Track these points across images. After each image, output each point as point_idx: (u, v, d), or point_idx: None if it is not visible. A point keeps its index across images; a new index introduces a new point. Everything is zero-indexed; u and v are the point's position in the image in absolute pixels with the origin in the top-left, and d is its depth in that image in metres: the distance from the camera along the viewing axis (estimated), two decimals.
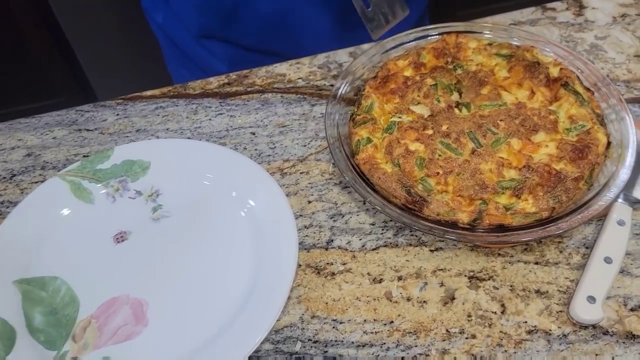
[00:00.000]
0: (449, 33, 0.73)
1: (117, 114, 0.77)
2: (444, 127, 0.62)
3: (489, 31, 0.73)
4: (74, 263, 0.59)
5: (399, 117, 0.65)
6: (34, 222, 0.62)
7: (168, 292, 0.57)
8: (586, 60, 0.69)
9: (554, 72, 0.67)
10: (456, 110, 0.65)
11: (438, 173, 0.58)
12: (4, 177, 0.70)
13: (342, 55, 0.83)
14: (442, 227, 0.55)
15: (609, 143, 0.60)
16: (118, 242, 0.61)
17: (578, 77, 0.66)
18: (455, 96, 0.67)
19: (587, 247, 0.58)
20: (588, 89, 0.65)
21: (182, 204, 0.64)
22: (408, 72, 0.70)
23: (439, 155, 0.60)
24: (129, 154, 0.68)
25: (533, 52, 0.69)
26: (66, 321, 0.56)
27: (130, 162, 0.67)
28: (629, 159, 0.58)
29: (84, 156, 0.71)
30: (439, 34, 0.73)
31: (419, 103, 0.66)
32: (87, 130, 0.75)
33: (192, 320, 0.55)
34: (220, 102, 0.77)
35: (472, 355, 0.52)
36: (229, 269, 0.58)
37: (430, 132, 0.62)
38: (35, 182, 0.69)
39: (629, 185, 0.59)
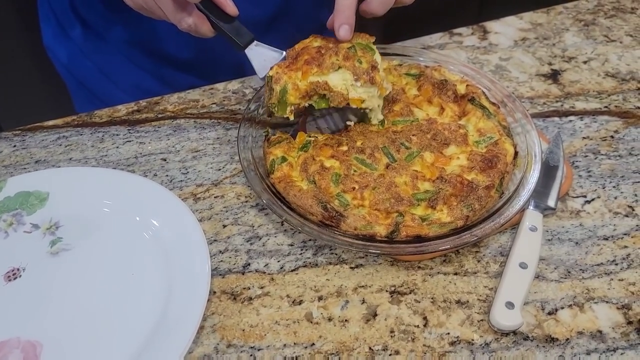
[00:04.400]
0: None
1: (14, 146, 0.71)
2: (359, 143, 0.62)
3: (400, 53, 0.75)
4: None
5: (315, 137, 0.64)
6: None
7: (65, 333, 0.52)
8: (492, 78, 0.72)
9: (461, 89, 0.68)
10: (371, 128, 0.65)
11: (354, 188, 0.57)
12: None
13: (257, 80, 0.81)
14: (361, 242, 0.53)
15: (516, 153, 0.62)
16: (9, 280, 0.55)
17: (484, 93, 0.68)
18: (377, 56, 0.63)
19: (503, 255, 0.58)
20: (493, 104, 0.67)
21: (83, 235, 0.59)
22: (318, 43, 0.64)
23: (355, 171, 0.59)
24: (24, 185, 0.62)
25: (441, 71, 0.71)
26: None
27: (25, 193, 0.62)
28: (536, 168, 0.60)
29: None
30: None
31: (340, 67, 0.60)
32: None
33: None
34: (129, 130, 0.74)
35: None
36: (134, 301, 0.54)
37: (345, 148, 0.61)
38: None
39: (538, 193, 0.61)
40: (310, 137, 0.64)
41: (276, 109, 0.62)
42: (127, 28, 0.84)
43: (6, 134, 0.73)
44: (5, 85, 1.53)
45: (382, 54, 0.75)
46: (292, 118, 0.63)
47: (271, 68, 0.62)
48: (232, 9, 0.62)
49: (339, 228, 0.55)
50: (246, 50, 0.64)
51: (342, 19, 0.61)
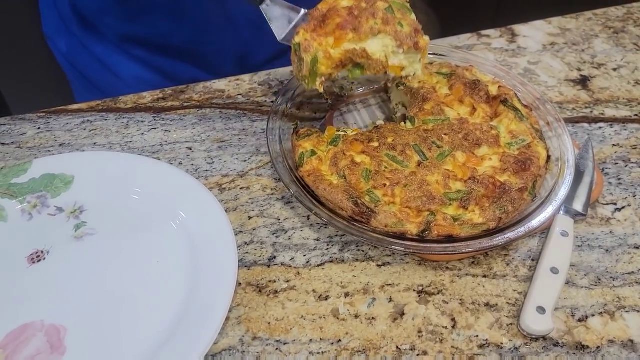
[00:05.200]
0: None
1: (39, 128, 0.71)
2: (390, 140, 0.61)
3: (430, 52, 0.74)
4: None
5: (344, 132, 0.63)
6: None
7: (89, 317, 0.51)
8: (523, 81, 0.71)
9: (493, 90, 0.67)
10: (402, 124, 0.64)
11: (385, 185, 0.56)
12: None
13: (283, 73, 0.81)
14: (392, 239, 0.52)
15: (548, 157, 0.61)
16: (33, 262, 0.55)
17: (516, 95, 0.67)
18: (414, 17, 0.57)
19: (532, 260, 0.57)
20: (526, 106, 0.66)
21: (108, 220, 0.58)
22: (347, 2, 0.57)
23: (385, 168, 0.58)
24: (49, 168, 0.62)
25: (472, 71, 0.70)
26: None
27: (50, 176, 0.61)
28: (569, 173, 0.59)
29: None
30: None
31: (379, 32, 0.54)
32: (2, 144, 0.68)
33: (117, 347, 0.49)
34: (154, 117, 0.73)
35: None
36: (159, 290, 0.53)
37: (375, 144, 0.60)
38: None
39: (569, 198, 0.60)
40: (339, 131, 0.63)
41: (307, 81, 0.56)
42: (122, 21, 0.83)
43: (30, 115, 0.72)
44: (6, 74, 1.52)
45: None
46: (321, 90, 0.57)
47: (297, 33, 0.55)
48: None
49: (369, 224, 0.54)
50: (262, 7, 0.58)
51: None
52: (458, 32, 0.90)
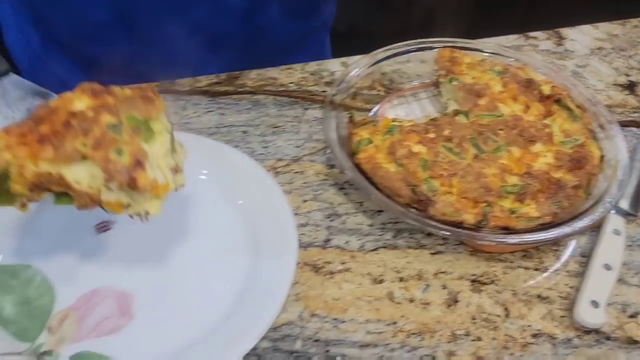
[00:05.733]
0: (444, 47, 0.74)
1: None
2: (446, 132, 0.62)
3: (484, 49, 0.75)
4: (52, 251, 0.54)
5: (399, 122, 0.65)
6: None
7: (156, 287, 0.53)
8: (574, 81, 0.72)
9: (546, 89, 0.68)
10: (456, 117, 0.65)
11: (442, 175, 0.58)
12: None
13: (334, 64, 0.82)
14: (451, 227, 0.54)
15: (602, 157, 0.62)
16: (100, 231, 0.57)
17: (569, 95, 0.68)
18: (162, 139, 0.46)
19: (583, 256, 0.58)
20: (579, 106, 0.67)
21: (173, 195, 0.60)
22: (83, 104, 0.43)
23: (442, 158, 0.59)
24: None
25: (525, 70, 0.71)
26: (40, 312, 0.50)
27: None
28: (622, 174, 0.60)
29: None
30: (427, 47, 0.75)
31: (85, 158, 0.41)
32: None
33: (183, 317, 0.51)
34: (210, 100, 0.75)
35: (479, 357, 0.50)
36: (223, 265, 0.55)
37: (432, 135, 0.62)
38: None
39: (620, 198, 0.60)
40: (394, 122, 0.65)
41: None
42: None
43: None
44: None
45: (465, 49, 0.76)
46: (26, 212, 0.43)
47: None
48: None
49: (427, 212, 0.55)
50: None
51: None
52: (501, 33, 0.90)
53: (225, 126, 0.71)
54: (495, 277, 0.56)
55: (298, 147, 0.69)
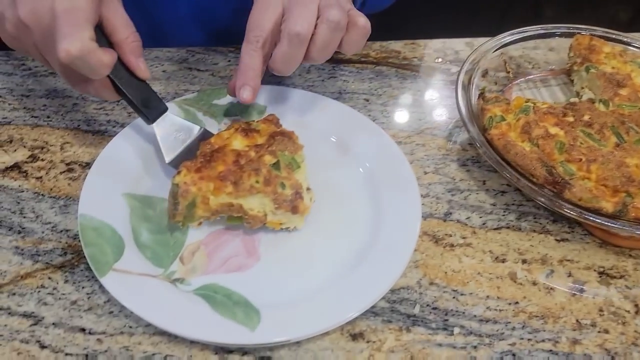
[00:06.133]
0: (580, 33, 0.71)
1: (229, 60, 0.75)
2: (586, 117, 0.59)
3: (622, 39, 0.71)
4: None
5: (534, 103, 0.62)
6: (145, 142, 0.60)
7: (281, 237, 0.54)
8: None
9: None
10: (595, 104, 0.62)
11: (580, 159, 0.55)
12: None
13: (458, 43, 0.81)
14: (587, 213, 0.52)
15: None
16: None
17: None
18: (301, 171, 0.54)
19: None
20: None
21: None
22: (239, 143, 0.54)
23: (581, 143, 0.57)
24: None
25: None
26: (174, 243, 0.53)
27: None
28: None
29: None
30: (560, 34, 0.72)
31: (259, 192, 0.52)
32: (198, 70, 0.74)
33: (307, 265, 0.52)
34: (334, 66, 0.75)
35: (606, 350, 0.48)
36: (348, 222, 0.55)
37: (571, 119, 0.59)
38: None
39: None
40: (528, 102, 0.63)
41: (180, 222, 0.52)
42: None
43: (221, 49, 0.77)
44: None
45: (606, 39, 0.72)
46: (197, 227, 0.54)
47: (179, 171, 0.51)
48: (144, 72, 0.53)
49: (562, 195, 0.53)
50: (154, 125, 0.56)
51: (244, 79, 0.54)
52: None
53: (348, 92, 0.72)
54: (626, 272, 0.54)
55: (420, 120, 0.69)
